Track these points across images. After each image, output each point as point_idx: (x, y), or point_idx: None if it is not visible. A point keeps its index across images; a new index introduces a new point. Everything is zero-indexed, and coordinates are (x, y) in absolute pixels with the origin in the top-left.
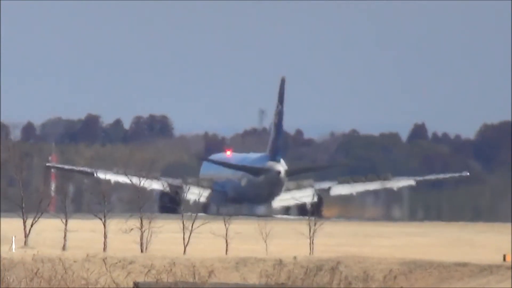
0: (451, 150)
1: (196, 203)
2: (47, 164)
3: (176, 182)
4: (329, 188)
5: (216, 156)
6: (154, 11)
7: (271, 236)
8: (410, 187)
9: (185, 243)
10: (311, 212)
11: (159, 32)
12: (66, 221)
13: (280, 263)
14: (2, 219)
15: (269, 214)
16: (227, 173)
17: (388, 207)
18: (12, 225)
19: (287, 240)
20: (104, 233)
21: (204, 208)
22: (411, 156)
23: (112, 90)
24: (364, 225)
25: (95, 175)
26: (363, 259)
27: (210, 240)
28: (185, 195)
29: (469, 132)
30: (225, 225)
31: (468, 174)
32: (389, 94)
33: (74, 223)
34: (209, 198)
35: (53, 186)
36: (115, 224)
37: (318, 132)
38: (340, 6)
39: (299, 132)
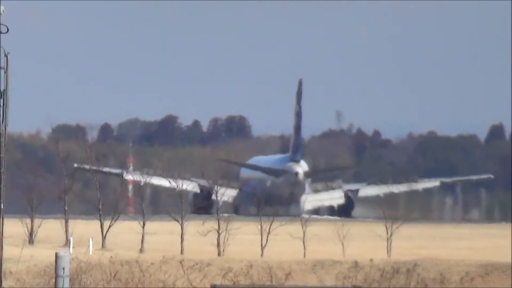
0: None
1: (226, 203)
2: (75, 165)
3: (207, 183)
4: (357, 190)
5: (254, 159)
6: (235, 14)
7: (348, 239)
8: (487, 188)
9: (263, 245)
10: (341, 212)
11: (236, 32)
12: (144, 223)
13: (356, 265)
14: (79, 221)
15: (298, 215)
16: (258, 175)
17: (465, 209)
18: (89, 227)
19: (364, 243)
20: (181, 235)
21: (235, 209)
22: (488, 157)
23: (190, 91)
24: (442, 227)
25: (124, 176)
26: (440, 261)
27: (287, 242)
28: (217, 196)
29: None
30: (302, 227)
31: (492, 176)
32: (466, 95)
33: (152, 225)
34: (238, 199)
35: (130, 188)
36: (193, 226)
37: (395, 133)
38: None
39: (376, 133)
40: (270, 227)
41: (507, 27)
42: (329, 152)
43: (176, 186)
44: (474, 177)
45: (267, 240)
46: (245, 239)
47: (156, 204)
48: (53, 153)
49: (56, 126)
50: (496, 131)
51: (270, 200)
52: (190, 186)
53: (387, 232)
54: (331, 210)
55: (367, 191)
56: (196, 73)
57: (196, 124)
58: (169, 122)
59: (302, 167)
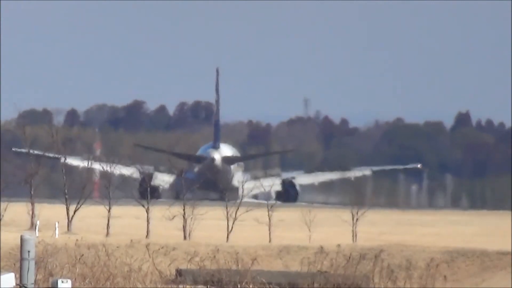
0: (495, 139)
1: (166, 189)
2: (12, 149)
3: (149, 169)
4: (294, 178)
5: (201, 148)
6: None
7: (315, 224)
8: (454, 175)
9: (229, 230)
10: (280, 199)
11: (206, 20)
12: (110, 207)
13: (322, 250)
14: (45, 205)
15: (235, 199)
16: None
17: (431, 195)
18: (55, 211)
19: (331, 228)
20: (147, 219)
21: (176, 194)
22: (455, 144)
23: (157, 75)
24: (408, 214)
25: (62, 161)
26: (406, 247)
27: (254, 228)
28: (156, 181)
29: None
30: (268, 213)
31: (419, 166)
32: (433, 82)
33: (118, 210)
34: (175, 185)
35: (97, 172)
36: (159, 211)
37: (363, 120)
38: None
39: (344, 121)
40: (236, 213)
41: (470, 16)
42: (296, 138)
43: (117, 172)
44: (401, 167)
45: (233, 225)
46: (211, 224)
47: (122, 189)
48: (20, 138)
49: (23, 112)
50: (463, 118)
51: (205, 186)
52: (129, 171)
53: (352, 218)
54: (272, 196)
55: (303, 179)
56: (163, 57)
57: (162, 109)
58: (136, 107)
59: (220, 153)
